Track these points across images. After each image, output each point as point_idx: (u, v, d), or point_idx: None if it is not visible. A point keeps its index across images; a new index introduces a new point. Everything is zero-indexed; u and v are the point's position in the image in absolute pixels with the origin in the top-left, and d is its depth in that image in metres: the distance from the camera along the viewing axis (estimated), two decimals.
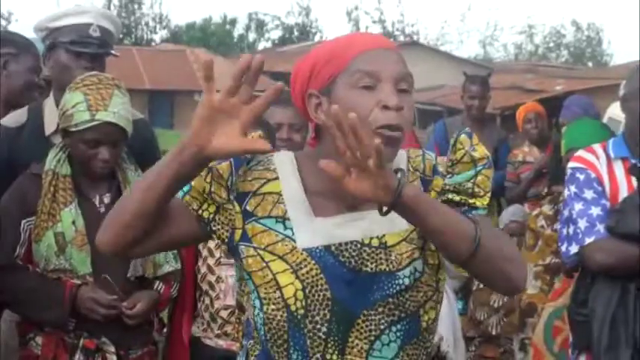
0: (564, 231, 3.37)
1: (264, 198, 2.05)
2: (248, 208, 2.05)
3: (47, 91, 3.72)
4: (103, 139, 3.16)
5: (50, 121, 3.58)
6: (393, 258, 2.02)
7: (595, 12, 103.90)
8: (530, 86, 25.78)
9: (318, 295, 1.99)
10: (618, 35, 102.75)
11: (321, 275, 1.99)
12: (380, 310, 2.00)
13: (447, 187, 2.08)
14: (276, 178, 2.07)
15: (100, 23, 3.63)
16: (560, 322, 3.93)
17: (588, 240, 3.23)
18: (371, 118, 1.95)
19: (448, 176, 2.10)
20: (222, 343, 3.47)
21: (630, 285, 3.18)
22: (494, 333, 4.92)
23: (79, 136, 3.16)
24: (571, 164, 3.39)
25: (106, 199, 3.26)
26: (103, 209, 3.24)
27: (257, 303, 2.03)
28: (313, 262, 2.00)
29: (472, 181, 2.08)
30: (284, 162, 2.10)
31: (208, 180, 2.05)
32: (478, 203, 2.08)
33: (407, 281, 2.02)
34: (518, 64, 41.37)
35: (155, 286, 3.29)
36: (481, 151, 2.11)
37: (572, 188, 3.33)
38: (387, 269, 2.01)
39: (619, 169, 3.31)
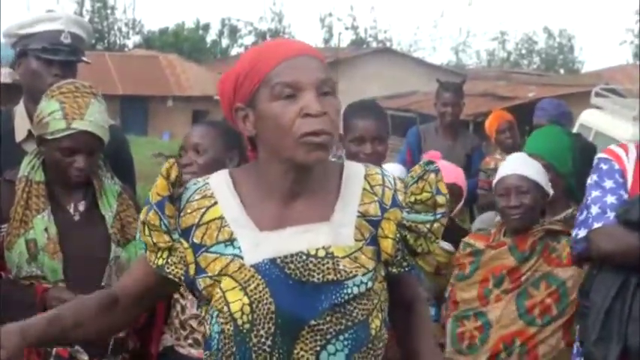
0: (579, 217, 3.38)
1: (208, 226, 2.07)
2: (195, 240, 2.07)
3: (17, 97, 3.68)
4: (78, 147, 3.14)
5: (21, 128, 3.55)
6: (341, 267, 2.03)
7: (567, 19, 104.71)
8: (503, 93, 25.92)
9: (263, 309, 2.00)
10: (590, 42, 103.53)
11: (267, 289, 2.00)
12: (327, 319, 2.01)
13: (405, 222, 2.12)
14: (215, 203, 2.08)
15: (71, 30, 3.61)
16: (462, 327, 3.95)
17: (596, 225, 3.24)
18: (294, 129, 1.97)
19: (406, 210, 2.13)
20: (194, 352, 3.45)
21: (632, 278, 3.18)
22: None
23: (55, 144, 3.14)
24: (599, 155, 3.42)
25: (81, 207, 3.24)
26: (77, 217, 3.22)
27: (214, 313, 2.06)
28: (260, 276, 2.01)
29: (428, 226, 2.12)
30: (220, 183, 2.12)
31: (147, 233, 2.10)
32: (425, 246, 2.14)
33: (355, 290, 2.03)
34: (490, 71, 41.56)
35: None
36: (443, 197, 2.15)
37: (594, 177, 3.35)
38: (335, 278, 2.02)
39: None
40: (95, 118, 3.15)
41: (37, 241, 3.12)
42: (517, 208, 3.86)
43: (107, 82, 32.76)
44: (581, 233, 3.30)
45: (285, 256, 2.02)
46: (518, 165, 3.97)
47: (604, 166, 3.35)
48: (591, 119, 9.92)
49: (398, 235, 2.12)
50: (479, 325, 3.87)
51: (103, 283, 3.18)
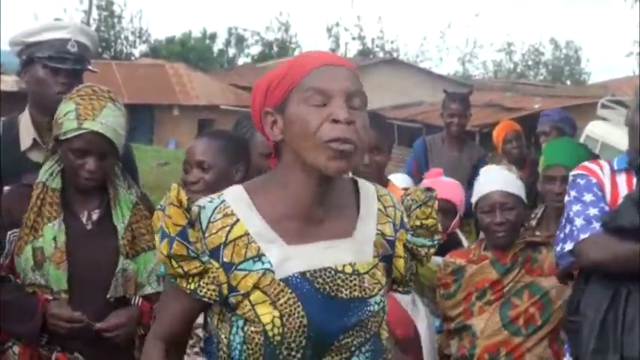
0: (561, 234, 3.37)
1: (235, 244, 2.05)
2: (225, 259, 2.05)
3: (23, 105, 3.68)
4: (89, 148, 3.14)
5: (25, 136, 3.55)
6: (366, 284, 2.08)
7: (573, 30, 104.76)
8: (509, 104, 25.93)
9: (295, 323, 2.01)
10: (596, 54, 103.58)
11: (299, 303, 2.01)
12: (352, 333, 2.05)
13: (407, 244, 2.21)
14: (238, 220, 2.07)
15: (77, 38, 3.61)
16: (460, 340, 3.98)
17: (583, 236, 3.23)
18: (320, 133, 1.98)
19: (410, 232, 2.22)
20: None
21: (622, 288, 3.18)
22: None
23: (67, 145, 3.15)
24: (573, 172, 3.43)
25: (94, 216, 3.23)
26: (90, 226, 3.21)
27: (240, 322, 2.05)
28: (290, 290, 2.02)
29: (426, 250, 2.23)
30: (237, 201, 2.10)
31: (176, 265, 2.06)
32: (416, 271, 2.27)
33: (375, 307, 2.09)
34: (497, 82, 41.57)
35: (132, 301, 3.25)
36: (440, 225, 2.28)
37: (572, 193, 3.35)
38: (361, 295, 2.07)
39: (622, 180, 3.33)
40: (108, 121, 3.15)
41: (44, 250, 3.12)
42: (502, 224, 3.88)
43: (114, 91, 32.79)
44: (568, 246, 3.30)
45: (315, 271, 2.04)
46: (501, 181, 3.99)
47: (581, 181, 3.35)
48: (597, 131, 9.92)
49: (406, 256, 2.20)
50: (469, 337, 3.89)
51: (108, 296, 3.17)
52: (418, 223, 2.21)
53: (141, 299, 3.26)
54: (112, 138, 3.16)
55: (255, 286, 2.02)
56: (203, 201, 2.10)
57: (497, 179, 4.00)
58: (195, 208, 2.07)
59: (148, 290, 3.25)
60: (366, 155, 3.59)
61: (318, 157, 1.98)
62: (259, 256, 2.04)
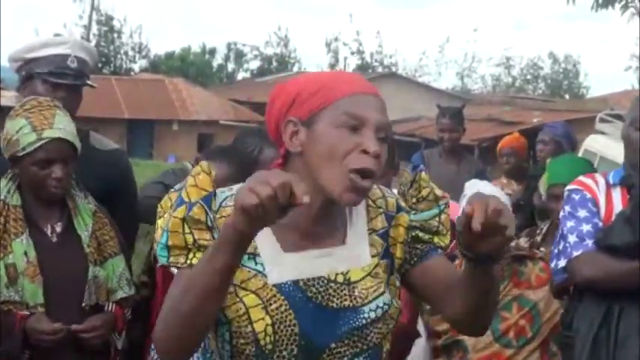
0: (555, 250, 3.39)
1: None
2: None
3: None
4: (53, 157, 3.15)
5: None
6: (356, 294, 2.05)
7: (572, 44, 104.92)
8: (508, 118, 25.95)
9: (287, 331, 2.00)
10: (595, 68, 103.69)
11: (290, 310, 2.00)
12: (345, 342, 2.03)
13: (414, 223, 2.16)
14: None
15: (77, 54, 3.62)
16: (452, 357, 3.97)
17: (576, 253, 3.24)
18: (347, 160, 1.97)
19: (413, 212, 2.17)
20: None
21: (615, 305, 3.19)
22: None
23: (29, 159, 3.14)
24: (568, 187, 3.44)
25: (58, 228, 3.23)
26: (55, 239, 3.22)
27: (226, 336, 2.02)
28: (282, 297, 2.01)
29: (437, 219, 2.17)
30: None
31: (188, 231, 1.99)
32: (442, 242, 2.17)
33: (372, 315, 2.06)
34: (495, 96, 41.61)
35: (106, 308, 3.25)
36: (439, 189, 2.20)
37: (567, 208, 3.37)
38: (351, 305, 2.04)
39: (617, 195, 3.34)
40: (64, 126, 3.17)
41: (16, 266, 3.10)
42: None
43: (113, 106, 32.91)
44: (561, 263, 3.31)
45: (308, 279, 2.03)
46: (489, 194, 3.99)
47: (576, 197, 3.36)
48: (596, 145, 9.92)
49: (406, 238, 2.15)
50: (460, 353, 3.89)
51: (83, 304, 3.18)
52: (414, 200, 2.18)
53: (114, 305, 3.27)
54: (72, 141, 3.18)
55: (245, 287, 2.00)
56: (217, 190, 2.07)
57: (485, 193, 4.02)
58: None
59: (120, 295, 3.27)
60: None
61: (337, 183, 1.97)
62: (254, 255, 2.03)
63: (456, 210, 4.72)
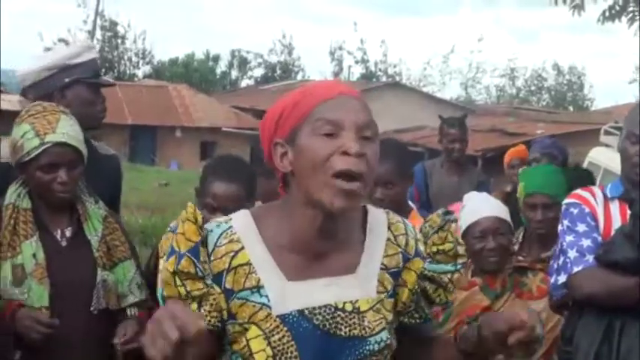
0: (554, 264, 3.36)
1: (236, 272, 2.02)
2: (227, 286, 2.02)
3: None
4: (57, 161, 3.15)
5: None
6: (366, 323, 2.03)
7: (576, 56, 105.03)
8: (512, 129, 25.96)
9: None
10: (599, 80, 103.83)
11: (292, 342, 1.98)
12: None
13: (426, 272, 2.13)
14: (242, 248, 2.03)
15: (97, 56, 3.79)
16: None
17: (576, 269, 3.22)
18: (328, 164, 1.94)
19: (428, 260, 2.14)
20: None
21: (616, 321, 3.16)
22: None
23: (34, 164, 3.15)
24: (566, 200, 3.42)
25: (68, 233, 3.25)
26: (64, 243, 3.22)
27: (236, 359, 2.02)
28: (286, 328, 1.99)
29: (449, 276, 2.15)
30: (244, 227, 2.06)
31: (179, 283, 1.99)
32: (443, 298, 2.16)
33: (376, 347, 2.04)
34: (499, 107, 41.62)
35: (128, 313, 3.26)
36: (462, 247, 2.18)
37: (565, 222, 3.34)
38: (360, 334, 2.02)
39: (615, 208, 3.32)
40: (68, 131, 3.18)
41: (24, 266, 3.11)
42: (495, 250, 3.89)
43: (116, 112, 32.89)
44: (561, 279, 3.28)
45: (314, 308, 2.01)
46: (492, 207, 4.02)
47: (574, 211, 3.34)
48: (600, 157, 9.92)
49: (416, 287, 2.13)
50: None
51: (92, 308, 3.17)
52: (435, 249, 2.14)
53: (136, 309, 3.27)
54: (76, 145, 3.19)
55: (251, 321, 1.99)
56: (211, 225, 2.06)
57: (488, 205, 4.03)
58: (202, 232, 2.04)
59: (131, 299, 3.27)
60: (379, 189, 3.57)
61: (325, 192, 1.95)
62: (258, 288, 2.00)
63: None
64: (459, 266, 2.16)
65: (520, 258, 4.09)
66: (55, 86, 3.67)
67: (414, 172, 3.75)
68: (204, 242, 2.02)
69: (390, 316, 2.08)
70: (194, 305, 1.99)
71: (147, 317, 3.24)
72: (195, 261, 1.98)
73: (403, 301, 2.12)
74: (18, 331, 3.07)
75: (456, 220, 2.20)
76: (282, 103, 2.07)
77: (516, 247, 4.39)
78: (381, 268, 2.09)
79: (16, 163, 3.20)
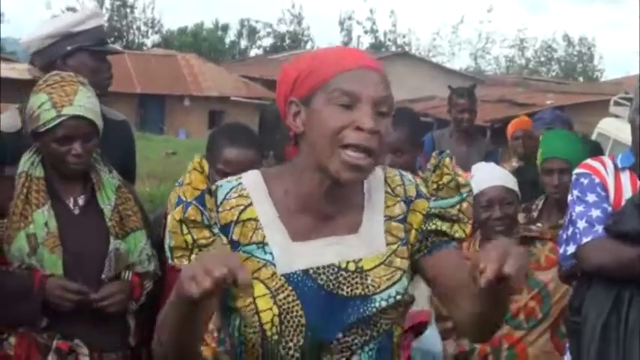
0: (564, 234, 3.36)
1: (244, 225, 2.02)
2: (234, 237, 2.02)
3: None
4: (73, 134, 3.14)
5: None
6: (369, 282, 2.02)
7: (587, 27, 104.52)
8: (521, 100, 25.90)
9: (293, 322, 1.98)
10: (609, 51, 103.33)
11: (297, 301, 1.98)
12: (354, 331, 2.01)
13: (433, 210, 2.11)
14: (251, 204, 2.04)
15: (104, 23, 3.75)
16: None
17: (585, 240, 3.21)
18: (340, 136, 1.94)
19: (432, 199, 2.12)
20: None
21: (625, 291, 3.16)
22: None
23: (49, 135, 3.14)
24: (577, 170, 3.40)
25: (81, 201, 3.24)
26: (77, 211, 3.22)
27: (237, 323, 2.03)
28: (290, 287, 1.99)
29: (457, 207, 2.11)
30: (255, 184, 2.08)
31: (186, 232, 2.01)
32: (460, 232, 2.11)
33: (383, 303, 2.02)
34: (509, 78, 41.52)
35: (122, 276, 3.26)
36: (464, 177, 2.14)
37: (575, 192, 3.33)
38: (363, 293, 2.01)
39: (626, 178, 3.30)
40: (84, 103, 3.16)
41: (37, 235, 3.12)
42: (502, 219, 3.89)
43: (125, 81, 32.91)
44: (570, 249, 3.27)
45: (318, 267, 2.01)
46: (499, 176, 4.02)
47: (584, 181, 3.32)
48: (610, 128, 9.89)
49: (422, 227, 2.10)
50: None
51: (103, 276, 3.18)
52: (435, 186, 2.12)
53: (130, 273, 3.27)
54: (93, 119, 3.17)
55: (256, 277, 1.99)
56: (221, 181, 2.08)
57: (495, 175, 4.03)
58: (212, 186, 2.05)
59: (140, 270, 3.28)
60: (388, 156, 3.57)
61: (333, 161, 1.95)
62: (263, 245, 2.01)
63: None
64: (464, 195, 2.12)
65: (533, 227, 4.09)
66: (57, 54, 3.65)
67: (423, 142, 3.74)
68: (211, 192, 2.03)
69: (406, 264, 2.07)
70: (200, 253, 2.00)
71: (139, 283, 3.28)
72: (202, 209, 2.00)
73: (411, 243, 2.10)
74: (50, 301, 3.11)
75: (450, 156, 2.14)
76: (302, 62, 2.06)
77: (535, 215, 4.40)
78: (386, 220, 2.08)
79: (32, 131, 3.20)
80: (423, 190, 2.13)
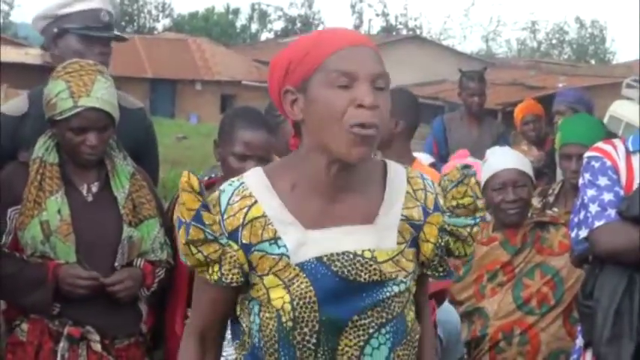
0: (575, 218, 3.35)
1: (252, 225, 2.03)
2: (244, 240, 2.03)
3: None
4: (88, 125, 3.13)
5: None
6: (383, 269, 2.04)
7: (599, 9, 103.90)
8: (532, 83, 25.83)
9: (306, 308, 2.00)
10: (621, 33, 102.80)
11: (311, 288, 1.99)
12: (369, 314, 2.03)
13: (447, 226, 2.13)
14: (256, 202, 2.04)
15: (107, 8, 3.64)
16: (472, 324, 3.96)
17: (598, 223, 3.19)
18: (345, 117, 1.95)
19: (448, 214, 2.14)
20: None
21: (638, 275, 3.14)
22: None
23: (65, 124, 3.14)
24: (588, 153, 3.37)
25: (94, 188, 3.24)
26: (90, 198, 3.22)
27: (256, 308, 2.05)
28: (304, 275, 2.00)
29: (469, 230, 2.14)
30: (257, 182, 2.08)
31: (195, 251, 2.03)
32: (462, 250, 2.16)
33: (396, 289, 2.05)
34: (520, 61, 41.36)
35: (134, 263, 3.25)
36: (481, 201, 2.18)
37: (587, 176, 3.30)
38: (380, 279, 2.03)
39: (637, 162, 3.28)
40: (102, 95, 3.15)
41: (49, 223, 3.12)
42: (515, 202, 3.87)
43: (136, 65, 32.97)
44: (582, 233, 3.26)
45: (332, 254, 2.02)
46: (513, 159, 4.01)
47: (595, 164, 3.30)
48: (621, 110, 9.87)
49: (439, 241, 2.12)
50: (481, 320, 3.89)
51: (116, 264, 3.19)
52: (454, 203, 2.14)
53: (142, 260, 3.26)
54: (109, 111, 3.16)
55: (270, 271, 2.02)
56: (224, 185, 2.08)
57: (509, 158, 4.01)
58: (216, 192, 2.06)
59: (151, 257, 3.27)
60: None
61: (341, 142, 1.96)
62: (275, 240, 2.02)
63: (478, 169, 4.72)
64: (477, 220, 2.15)
65: (555, 209, 4.08)
66: (49, 36, 3.63)
67: (417, 121, 3.73)
68: (206, 206, 2.04)
69: (410, 267, 2.09)
70: (215, 267, 2.03)
71: (152, 270, 3.27)
72: (202, 227, 2.01)
73: (427, 256, 2.12)
74: (63, 289, 3.12)
75: (475, 174, 2.19)
76: (291, 50, 2.06)
77: (551, 200, 4.39)
78: (402, 219, 2.09)
79: (48, 118, 3.20)
80: (441, 202, 2.15)
